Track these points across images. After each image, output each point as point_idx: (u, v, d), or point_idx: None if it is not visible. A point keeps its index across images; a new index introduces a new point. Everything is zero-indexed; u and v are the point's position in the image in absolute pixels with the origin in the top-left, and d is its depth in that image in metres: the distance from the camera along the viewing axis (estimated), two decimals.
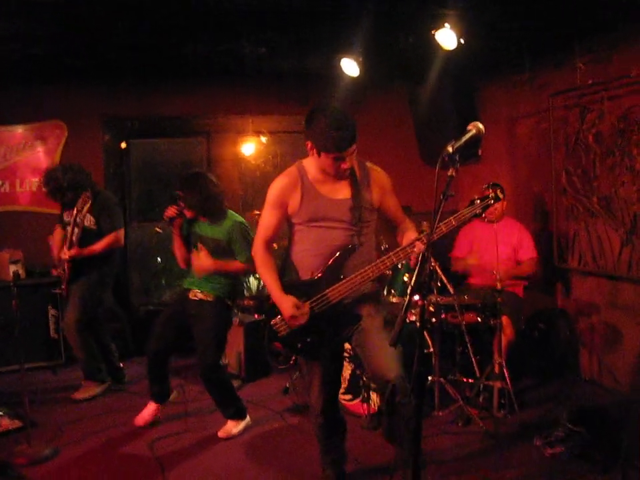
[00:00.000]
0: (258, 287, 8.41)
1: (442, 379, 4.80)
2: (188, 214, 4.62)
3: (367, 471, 3.99)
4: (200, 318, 4.61)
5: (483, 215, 3.08)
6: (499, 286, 4.75)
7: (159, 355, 4.77)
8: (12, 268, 6.02)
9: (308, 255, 3.39)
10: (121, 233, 5.51)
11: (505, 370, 4.79)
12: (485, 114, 6.64)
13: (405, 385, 3.17)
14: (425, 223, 4.88)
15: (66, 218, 5.49)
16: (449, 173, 2.40)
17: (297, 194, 3.35)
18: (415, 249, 3.06)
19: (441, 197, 2.38)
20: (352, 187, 3.34)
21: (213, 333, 4.59)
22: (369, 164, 3.44)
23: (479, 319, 5.05)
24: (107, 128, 7.04)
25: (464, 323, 4.91)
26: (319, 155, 3.21)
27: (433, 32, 4.89)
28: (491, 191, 3.05)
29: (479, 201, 3.04)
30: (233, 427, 4.69)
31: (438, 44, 4.99)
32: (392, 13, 4.68)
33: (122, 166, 7.21)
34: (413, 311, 4.82)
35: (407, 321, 2.59)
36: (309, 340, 3.36)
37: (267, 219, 3.46)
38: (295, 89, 7.13)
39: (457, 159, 2.39)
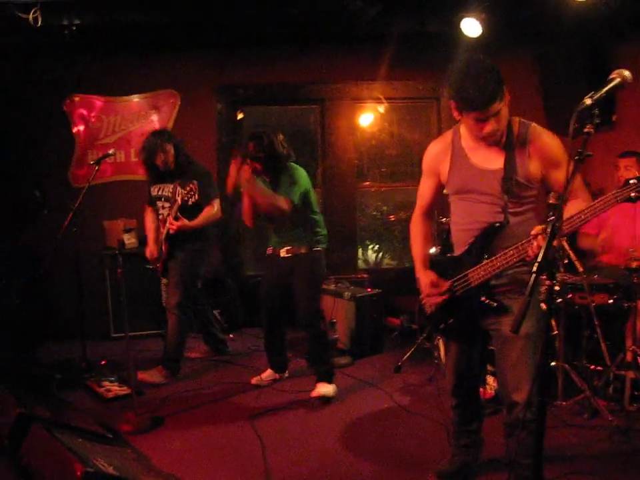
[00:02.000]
0: (375, 259, 8.21)
1: (566, 365, 4.39)
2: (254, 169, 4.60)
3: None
4: (296, 271, 4.71)
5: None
6: (634, 265, 4.27)
7: (272, 326, 4.96)
8: (126, 237, 6.06)
9: (458, 228, 3.14)
10: (218, 203, 5.22)
11: (639, 358, 4.32)
12: None
13: (533, 404, 2.79)
14: (551, 194, 4.45)
15: (154, 192, 5.27)
16: (586, 130, 2.02)
17: (446, 161, 3.07)
18: (533, 246, 2.65)
19: (576, 158, 2.01)
20: (506, 154, 2.90)
21: (312, 282, 4.73)
22: (534, 128, 2.91)
23: (611, 301, 4.58)
24: (219, 96, 6.98)
25: (593, 304, 4.47)
26: (461, 116, 2.84)
27: None
28: None
29: (634, 180, 2.43)
30: (324, 388, 4.72)
31: None
32: None
33: (234, 134, 7.12)
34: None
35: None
36: (450, 321, 3.15)
37: (421, 186, 3.28)
38: (413, 53, 6.80)
39: (597, 113, 2.00)
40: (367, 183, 7.65)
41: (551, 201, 4.47)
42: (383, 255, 8.42)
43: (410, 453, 3.87)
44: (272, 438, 4.09)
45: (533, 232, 2.69)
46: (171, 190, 5.13)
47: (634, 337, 4.37)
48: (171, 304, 5.24)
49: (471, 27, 5.50)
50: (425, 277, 3.17)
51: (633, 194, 2.42)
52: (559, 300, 4.43)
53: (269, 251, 4.91)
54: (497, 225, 2.92)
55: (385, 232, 8.30)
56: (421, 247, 3.29)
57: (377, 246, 8.41)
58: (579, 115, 2.01)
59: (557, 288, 4.44)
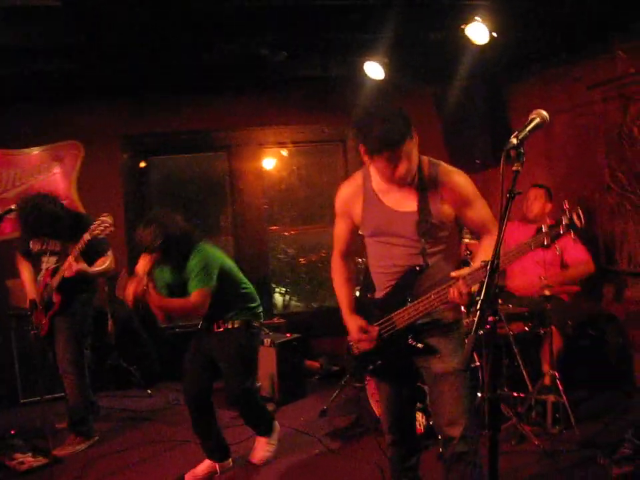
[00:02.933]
0: (283, 303, 8.16)
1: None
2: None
3: None
4: (223, 347, 4.21)
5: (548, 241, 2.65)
6: (547, 292, 4.44)
7: (199, 401, 4.24)
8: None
9: (376, 271, 3.12)
10: (111, 254, 4.85)
11: (557, 382, 4.46)
12: (517, 112, 6.35)
13: (469, 436, 2.91)
14: (465, 233, 4.60)
15: (37, 247, 4.85)
16: (514, 168, 2.08)
17: (358, 204, 3.04)
18: (449, 295, 2.74)
19: (507, 196, 2.08)
20: (419, 196, 2.90)
21: (238, 359, 4.21)
22: (443, 168, 2.93)
23: (527, 329, 4.74)
24: (125, 146, 6.84)
25: (511, 333, 4.60)
26: (372, 159, 2.82)
27: (462, 26, 4.63)
28: (566, 216, 2.62)
29: (545, 229, 2.65)
30: (266, 450, 4.43)
31: (467, 40, 4.75)
32: (420, 8, 4.43)
33: (142, 185, 6.99)
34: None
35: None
36: (379, 362, 3.12)
37: (336, 229, 3.25)
38: (318, 97, 6.88)
39: (523, 151, 2.08)
40: (277, 227, 7.66)
41: (465, 240, 4.64)
42: (296, 298, 8.40)
43: None
44: None
45: (453, 274, 2.75)
46: (58, 244, 4.78)
47: (551, 361, 4.52)
48: (64, 364, 4.76)
49: (374, 70, 5.63)
50: (353, 322, 3.13)
51: (545, 242, 2.65)
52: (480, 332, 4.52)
53: (199, 325, 4.34)
54: (417, 268, 2.93)
55: (296, 275, 8.30)
56: (345, 290, 3.25)
57: (289, 289, 8.39)
58: (507, 154, 2.08)
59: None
